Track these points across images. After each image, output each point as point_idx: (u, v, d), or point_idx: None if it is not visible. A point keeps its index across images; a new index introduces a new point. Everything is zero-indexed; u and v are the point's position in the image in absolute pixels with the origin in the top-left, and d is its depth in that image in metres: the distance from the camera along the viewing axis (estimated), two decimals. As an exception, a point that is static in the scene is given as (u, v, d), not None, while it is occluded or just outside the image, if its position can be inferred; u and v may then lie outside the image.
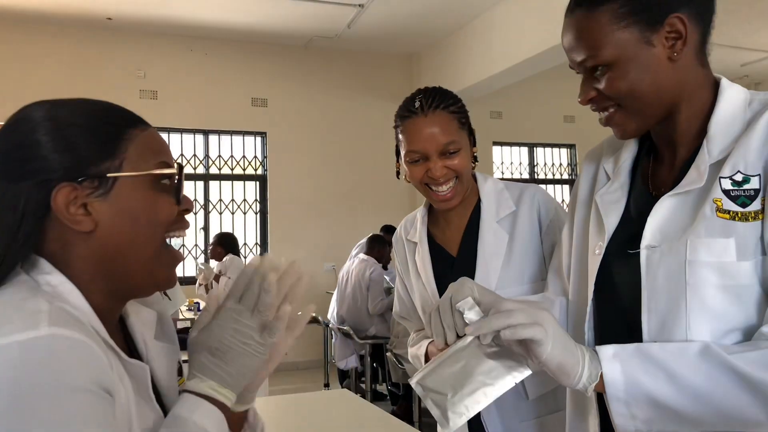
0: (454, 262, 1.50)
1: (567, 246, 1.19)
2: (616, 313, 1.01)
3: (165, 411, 0.83)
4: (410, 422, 1.64)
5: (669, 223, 0.95)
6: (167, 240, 0.82)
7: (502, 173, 8.53)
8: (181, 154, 7.16)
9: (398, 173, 1.50)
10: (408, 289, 1.60)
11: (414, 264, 1.55)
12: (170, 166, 0.81)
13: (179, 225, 0.83)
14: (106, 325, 0.76)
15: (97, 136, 0.77)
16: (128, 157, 0.77)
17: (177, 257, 0.84)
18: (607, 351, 0.89)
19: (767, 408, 0.82)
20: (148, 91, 6.94)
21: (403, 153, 1.43)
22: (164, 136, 7.00)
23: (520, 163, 8.66)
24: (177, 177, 0.81)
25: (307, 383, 5.95)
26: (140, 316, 0.88)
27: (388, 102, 7.43)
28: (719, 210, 0.90)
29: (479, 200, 1.51)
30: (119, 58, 6.79)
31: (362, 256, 5.28)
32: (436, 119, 1.38)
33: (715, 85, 0.99)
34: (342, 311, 5.20)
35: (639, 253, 0.96)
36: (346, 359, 5.15)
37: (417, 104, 1.40)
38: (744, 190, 0.89)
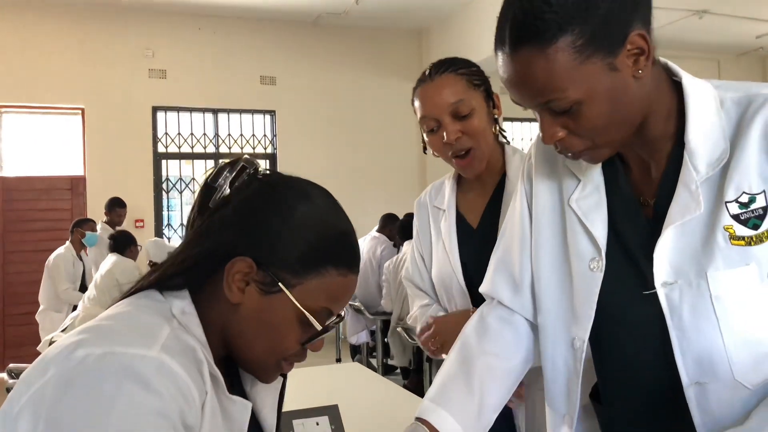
0: (473, 233, 1.49)
1: (527, 248, 1.08)
2: (634, 346, 0.95)
3: None
4: (421, 395, 1.66)
5: (679, 256, 0.89)
6: (281, 361, 0.85)
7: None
8: (191, 134, 7.18)
9: (425, 148, 1.47)
10: (423, 254, 1.59)
11: (438, 231, 1.53)
12: (331, 315, 0.84)
13: (295, 357, 0.86)
14: (216, 353, 0.82)
15: (303, 249, 0.81)
16: (306, 285, 0.81)
17: (281, 372, 0.88)
18: None
19: None
20: (156, 71, 6.94)
21: (419, 123, 1.42)
22: (173, 115, 7.06)
23: (531, 139, 8.61)
24: (320, 331, 0.83)
25: (319, 358, 6.02)
26: None
27: (398, 79, 7.39)
28: (733, 238, 0.85)
29: (505, 174, 1.47)
30: (128, 38, 6.78)
31: (374, 233, 5.31)
32: (443, 81, 1.38)
33: (672, 81, 0.92)
34: (353, 287, 5.25)
35: (655, 292, 0.90)
36: (357, 334, 5.21)
37: (427, 72, 1.41)
38: (753, 211, 0.85)
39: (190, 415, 0.72)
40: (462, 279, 1.47)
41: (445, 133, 1.37)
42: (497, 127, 1.45)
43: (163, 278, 0.82)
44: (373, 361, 5.22)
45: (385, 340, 5.08)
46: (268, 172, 0.89)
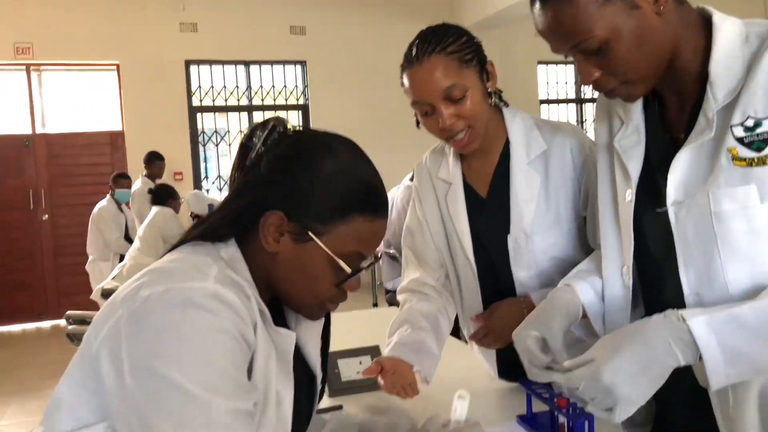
0: (484, 204, 1.44)
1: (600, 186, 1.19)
2: (652, 261, 1.04)
3: (309, 374, 1.02)
4: (456, 337, 1.75)
5: (689, 177, 0.96)
6: (324, 302, 0.93)
7: (547, 93, 8.34)
8: (224, 86, 7.24)
9: (418, 123, 1.40)
10: (428, 219, 1.52)
11: (445, 204, 1.48)
12: (363, 258, 0.91)
13: (336, 298, 0.93)
14: (262, 294, 0.89)
15: (329, 200, 0.87)
16: (334, 232, 0.87)
17: (327, 311, 0.96)
18: (699, 326, 0.85)
19: None
20: (188, 24, 6.97)
21: (411, 105, 1.37)
22: (206, 68, 7.10)
23: (566, 82, 8.44)
24: (351, 272, 0.90)
25: (357, 302, 6.19)
26: None
27: (429, 25, 7.28)
28: (735, 158, 0.90)
29: (508, 139, 1.42)
30: (158, -9, 6.80)
31: (407, 182, 5.35)
32: (431, 65, 1.29)
33: (705, 21, 0.97)
34: (388, 235, 5.33)
35: (666, 210, 0.98)
36: (393, 280, 5.33)
37: (413, 52, 1.32)
38: (757, 135, 0.89)
39: (248, 333, 0.81)
40: (472, 257, 1.44)
41: (440, 119, 1.31)
42: (493, 98, 1.38)
43: (209, 231, 0.90)
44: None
45: (420, 285, 5.19)
46: (298, 129, 0.96)
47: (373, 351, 1.57)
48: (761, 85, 0.89)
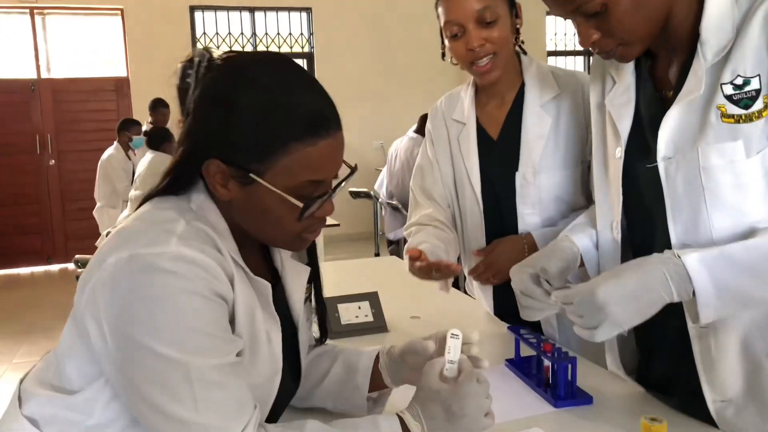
0: (494, 144, 1.52)
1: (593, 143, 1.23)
2: (643, 214, 1.09)
3: (292, 320, 1.00)
4: (455, 285, 1.81)
5: (679, 134, 0.99)
6: (299, 234, 0.89)
7: (555, 45, 8.24)
8: (229, 33, 7.17)
9: (443, 55, 1.50)
10: (439, 161, 1.60)
11: (457, 143, 1.56)
12: (318, 184, 0.85)
13: (310, 228, 0.89)
14: (243, 244, 0.89)
15: (259, 135, 0.81)
16: (274, 168, 0.82)
17: (309, 241, 0.92)
18: (692, 261, 0.91)
19: None
20: (192, -32, 6.86)
21: (442, 27, 1.44)
22: (210, 14, 7.01)
23: (574, 34, 8.32)
24: (307, 203, 0.84)
25: (359, 252, 6.29)
26: None
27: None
28: (724, 116, 0.94)
29: (523, 84, 1.50)
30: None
31: (411, 134, 5.36)
32: None
33: None
34: (391, 186, 5.38)
35: (657, 165, 1.02)
36: (394, 231, 5.41)
37: None
38: (745, 93, 0.93)
39: (220, 287, 0.81)
40: (480, 193, 1.52)
41: (468, 40, 1.39)
42: (518, 38, 1.48)
43: (170, 185, 0.89)
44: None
45: (422, 236, 5.27)
46: (226, 56, 0.88)
47: (372, 297, 1.64)
48: (750, 46, 0.92)
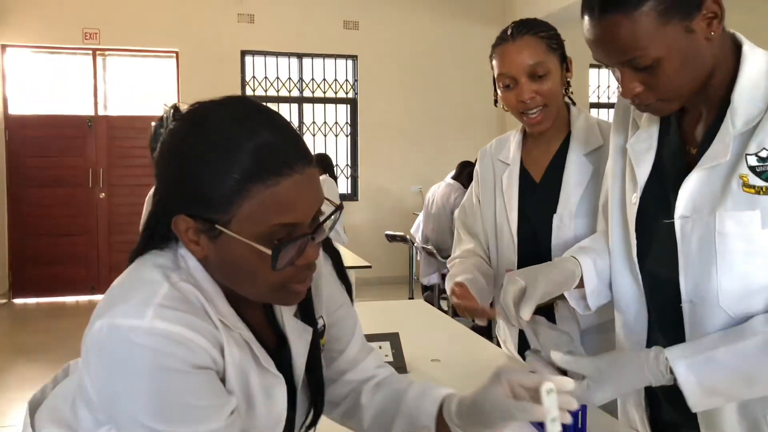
0: (536, 187, 1.58)
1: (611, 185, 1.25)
2: (654, 262, 1.11)
3: (293, 382, 0.92)
4: (488, 337, 1.82)
5: (699, 195, 1.01)
6: (284, 286, 0.81)
7: (598, 97, 8.25)
8: (277, 77, 7.43)
9: (496, 101, 1.58)
10: (481, 199, 1.68)
11: (501, 183, 1.62)
12: (292, 226, 0.77)
13: (295, 278, 0.81)
14: (239, 300, 0.84)
15: (216, 182, 0.76)
16: (239, 215, 0.76)
17: (299, 293, 0.84)
18: (680, 366, 0.96)
19: None
20: (245, 15, 7.18)
21: (495, 78, 1.51)
22: (260, 59, 7.27)
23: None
24: (276, 248, 0.76)
25: (392, 296, 6.29)
26: None
27: (481, 26, 7.30)
28: (745, 185, 0.96)
29: (570, 133, 1.56)
30: (219, -18, 7.02)
31: (449, 180, 5.41)
32: (524, 43, 1.46)
33: (736, 47, 1.02)
34: (427, 231, 5.41)
35: (673, 222, 1.04)
36: (429, 276, 5.41)
37: (509, 32, 1.49)
38: None
39: (199, 359, 0.77)
40: (516, 232, 1.57)
41: (520, 92, 1.46)
42: (568, 90, 1.55)
43: (148, 240, 0.86)
44: (444, 303, 5.43)
45: (456, 282, 5.26)
46: (183, 113, 0.84)
47: (393, 337, 1.66)
48: None
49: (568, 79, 1.54)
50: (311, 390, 0.98)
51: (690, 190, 1.02)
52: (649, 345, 1.12)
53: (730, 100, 0.98)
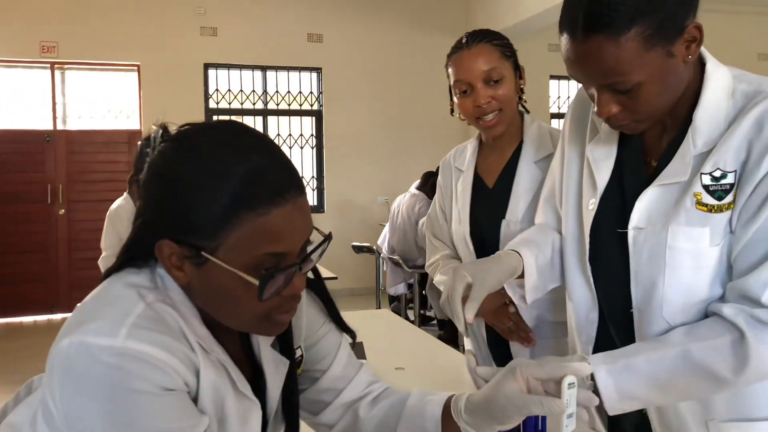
0: (489, 193, 1.63)
1: (558, 178, 1.27)
2: (605, 267, 1.13)
3: (268, 410, 0.90)
4: (455, 346, 1.82)
5: (655, 208, 1.03)
6: (268, 315, 0.80)
7: (559, 107, 8.41)
8: (241, 90, 7.39)
9: (452, 110, 1.63)
10: (445, 209, 1.74)
11: (456, 189, 1.68)
12: (280, 256, 0.76)
13: (280, 308, 0.80)
14: (215, 325, 0.82)
15: (204, 209, 0.74)
16: (227, 243, 0.74)
17: (283, 323, 0.82)
18: (600, 371, 0.96)
19: (722, 388, 0.98)
20: (208, 28, 7.13)
21: (452, 85, 1.56)
22: (224, 72, 7.23)
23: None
24: (264, 278, 0.74)
25: (360, 307, 6.29)
26: None
27: (443, 37, 7.36)
28: (698, 203, 0.99)
29: (522, 140, 1.61)
30: (180, -5, 6.97)
31: (413, 190, 5.45)
32: (479, 50, 1.51)
33: (701, 63, 1.03)
34: (393, 242, 5.43)
35: (626, 232, 1.06)
36: (395, 286, 5.42)
37: (464, 40, 1.55)
38: (721, 185, 0.97)
39: (171, 381, 0.75)
40: (469, 235, 1.62)
41: (477, 97, 1.51)
42: (521, 98, 1.61)
43: (127, 261, 0.83)
44: (411, 313, 5.44)
45: (423, 292, 5.29)
46: (172, 134, 0.82)
47: (357, 347, 1.66)
48: (735, 142, 0.97)
49: (522, 87, 1.59)
50: (285, 416, 0.96)
51: (646, 203, 1.04)
52: (600, 343, 1.15)
53: (692, 120, 1.00)
